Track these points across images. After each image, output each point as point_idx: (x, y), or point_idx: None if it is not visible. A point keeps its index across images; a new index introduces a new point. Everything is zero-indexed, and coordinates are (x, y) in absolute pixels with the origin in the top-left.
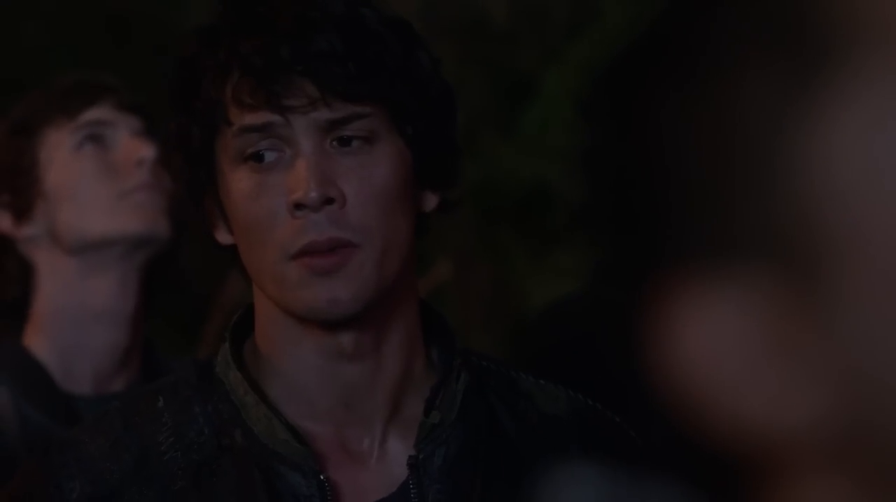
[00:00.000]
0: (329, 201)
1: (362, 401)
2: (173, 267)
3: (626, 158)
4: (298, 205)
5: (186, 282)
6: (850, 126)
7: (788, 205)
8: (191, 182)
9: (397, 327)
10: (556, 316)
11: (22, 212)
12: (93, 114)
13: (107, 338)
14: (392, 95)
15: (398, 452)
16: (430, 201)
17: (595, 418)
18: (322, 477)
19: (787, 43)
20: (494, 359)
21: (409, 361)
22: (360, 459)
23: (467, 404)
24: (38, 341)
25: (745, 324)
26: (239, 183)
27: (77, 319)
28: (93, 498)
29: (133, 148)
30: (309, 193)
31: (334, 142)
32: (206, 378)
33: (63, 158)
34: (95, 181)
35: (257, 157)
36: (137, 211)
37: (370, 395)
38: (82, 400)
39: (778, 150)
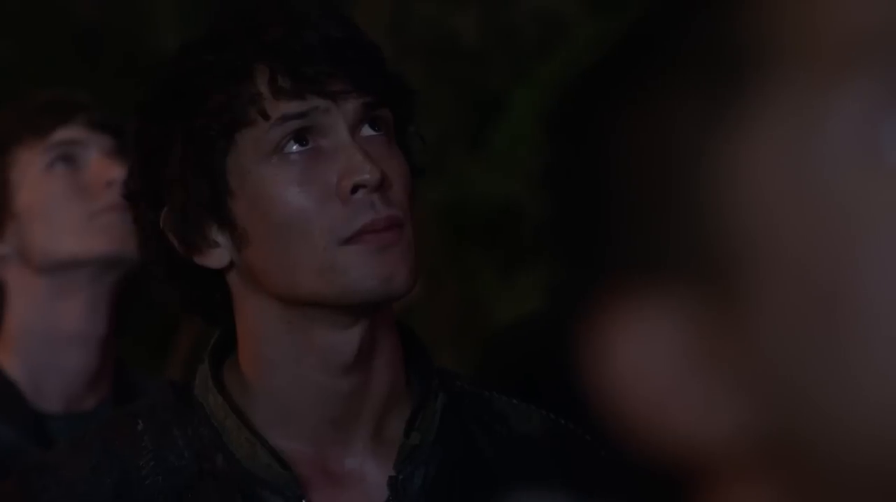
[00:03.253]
0: (383, 181)
1: (349, 420)
2: (143, 286)
3: (577, 177)
4: (356, 187)
5: (155, 299)
6: (771, 143)
7: (712, 221)
8: (191, 196)
9: (387, 340)
10: (519, 334)
11: None
12: (64, 133)
13: (78, 359)
14: (401, 91)
15: (377, 473)
16: None
17: (567, 437)
18: (303, 501)
19: (711, 63)
20: (467, 379)
21: (393, 379)
22: (340, 481)
23: (445, 424)
24: (9, 359)
25: (670, 338)
26: (277, 175)
27: (47, 339)
28: None
29: (104, 168)
30: (371, 174)
31: (366, 126)
32: (185, 401)
33: (34, 178)
34: (66, 201)
35: (301, 143)
36: (107, 231)
37: (357, 413)
38: (53, 419)
39: (703, 168)
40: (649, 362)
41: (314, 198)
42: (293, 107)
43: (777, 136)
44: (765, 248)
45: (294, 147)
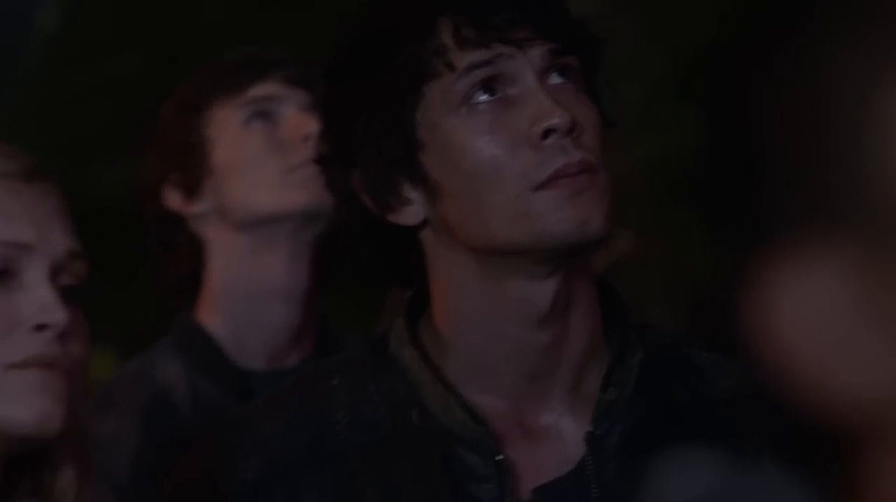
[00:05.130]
0: (574, 126)
1: (546, 374)
2: (345, 241)
3: (735, 130)
4: (547, 133)
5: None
6: None
7: (875, 171)
8: (382, 154)
9: (584, 293)
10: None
11: (191, 190)
12: (260, 89)
13: (279, 315)
14: (588, 39)
15: (574, 429)
16: None
17: (763, 396)
18: (499, 458)
19: (875, 11)
20: (668, 332)
21: (590, 332)
22: (536, 437)
23: (643, 379)
24: (211, 317)
25: (837, 293)
26: (467, 125)
27: (249, 296)
28: (268, 478)
29: (300, 123)
30: (561, 118)
31: (554, 74)
32: (380, 356)
33: (231, 135)
34: (263, 157)
35: (489, 92)
36: (306, 185)
37: (554, 367)
38: (256, 376)
39: (865, 119)
40: (815, 318)
41: (505, 145)
42: (478, 56)
43: None
44: None
45: (482, 97)
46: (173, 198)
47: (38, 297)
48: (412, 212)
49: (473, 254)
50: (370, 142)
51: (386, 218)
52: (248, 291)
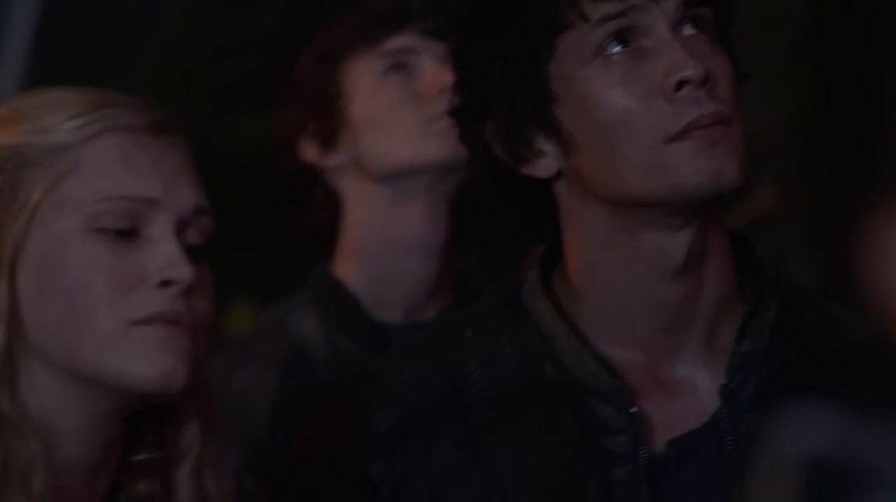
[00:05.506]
0: (708, 77)
1: (680, 326)
2: (483, 193)
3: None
4: (681, 84)
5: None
6: None
7: None
8: (516, 106)
9: (718, 245)
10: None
11: (327, 142)
12: (398, 41)
13: (417, 267)
14: None
15: (708, 381)
16: None
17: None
18: (633, 411)
19: None
20: (804, 286)
21: (724, 285)
22: (670, 389)
23: (777, 332)
24: (349, 270)
25: None
26: (600, 77)
27: (387, 248)
28: (400, 430)
29: (438, 74)
30: (695, 69)
31: (687, 25)
32: (514, 308)
33: (368, 87)
34: (401, 109)
35: (623, 43)
36: (443, 137)
37: (689, 319)
38: (393, 329)
39: None
40: None
41: (638, 97)
42: (612, 7)
43: None
44: None
45: (615, 48)
46: (310, 151)
47: (164, 253)
48: (545, 164)
49: (607, 207)
50: (503, 94)
51: (519, 170)
52: (385, 244)
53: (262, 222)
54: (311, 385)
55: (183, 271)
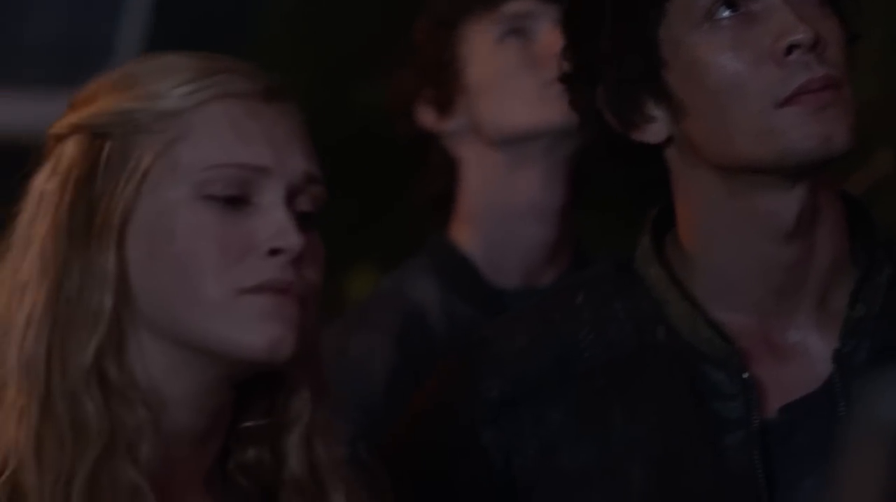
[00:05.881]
0: (818, 40)
1: (793, 290)
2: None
3: None
4: (791, 48)
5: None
6: None
7: None
8: (626, 71)
9: (829, 208)
10: None
11: (444, 107)
12: (514, 5)
13: (535, 232)
14: None
15: (821, 346)
16: None
17: None
18: (746, 376)
19: None
20: None
21: (837, 248)
22: (783, 354)
23: (891, 296)
24: (466, 235)
25: None
26: (709, 42)
27: (504, 214)
28: (511, 397)
29: (554, 38)
30: (805, 33)
31: None
32: (626, 273)
33: (485, 52)
34: (518, 73)
35: (732, 7)
36: (560, 102)
37: (801, 283)
38: (510, 294)
39: None
40: None
41: (748, 61)
42: None
43: None
44: None
45: (725, 12)
46: (426, 116)
47: (274, 221)
48: (656, 130)
49: (718, 171)
50: (613, 59)
51: (630, 136)
52: (502, 209)
53: (386, 188)
54: (428, 351)
55: (292, 239)
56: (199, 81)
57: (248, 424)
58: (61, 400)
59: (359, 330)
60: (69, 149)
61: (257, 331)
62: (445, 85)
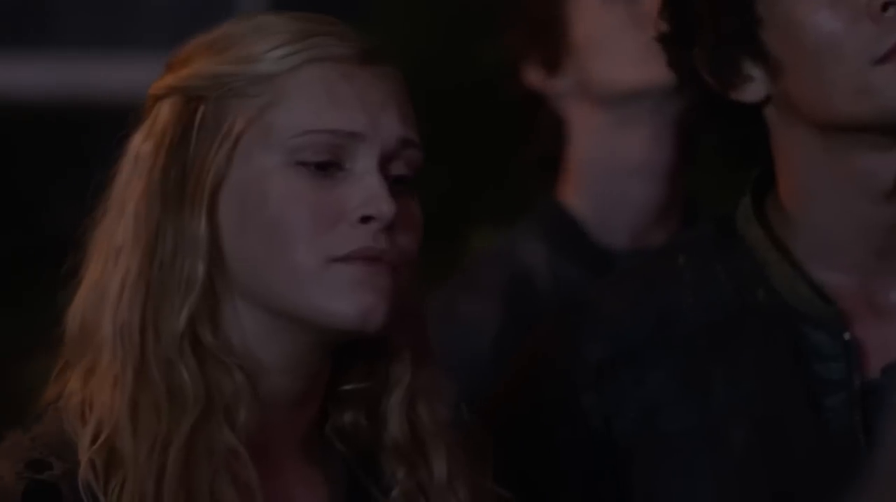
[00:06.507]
0: None
1: (894, 250)
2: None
3: None
4: (887, 5)
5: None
6: None
7: None
8: (722, 31)
9: None
10: None
11: (552, 66)
12: None
13: (643, 192)
14: None
15: None
16: None
17: None
18: (847, 336)
19: None
20: None
21: None
22: (884, 314)
23: None
24: (573, 195)
25: None
26: (806, 0)
27: (612, 173)
28: (612, 360)
29: None
30: None
31: None
32: (726, 234)
33: (592, 11)
34: (625, 32)
35: None
36: None
37: None
38: (618, 255)
39: None
40: None
41: (844, 19)
42: None
43: None
44: None
45: None
46: (534, 76)
47: (365, 187)
48: (754, 89)
49: (817, 130)
50: (710, 19)
51: (728, 96)
52: (611, 169)
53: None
54: (536, 312)
55: (384, 207)
56: (293, 44)
57: (346, 387)
58: (156, 367)
59: (467, 293)
60: (164, 111)
61: (348, 299)
62: (553, 44)
